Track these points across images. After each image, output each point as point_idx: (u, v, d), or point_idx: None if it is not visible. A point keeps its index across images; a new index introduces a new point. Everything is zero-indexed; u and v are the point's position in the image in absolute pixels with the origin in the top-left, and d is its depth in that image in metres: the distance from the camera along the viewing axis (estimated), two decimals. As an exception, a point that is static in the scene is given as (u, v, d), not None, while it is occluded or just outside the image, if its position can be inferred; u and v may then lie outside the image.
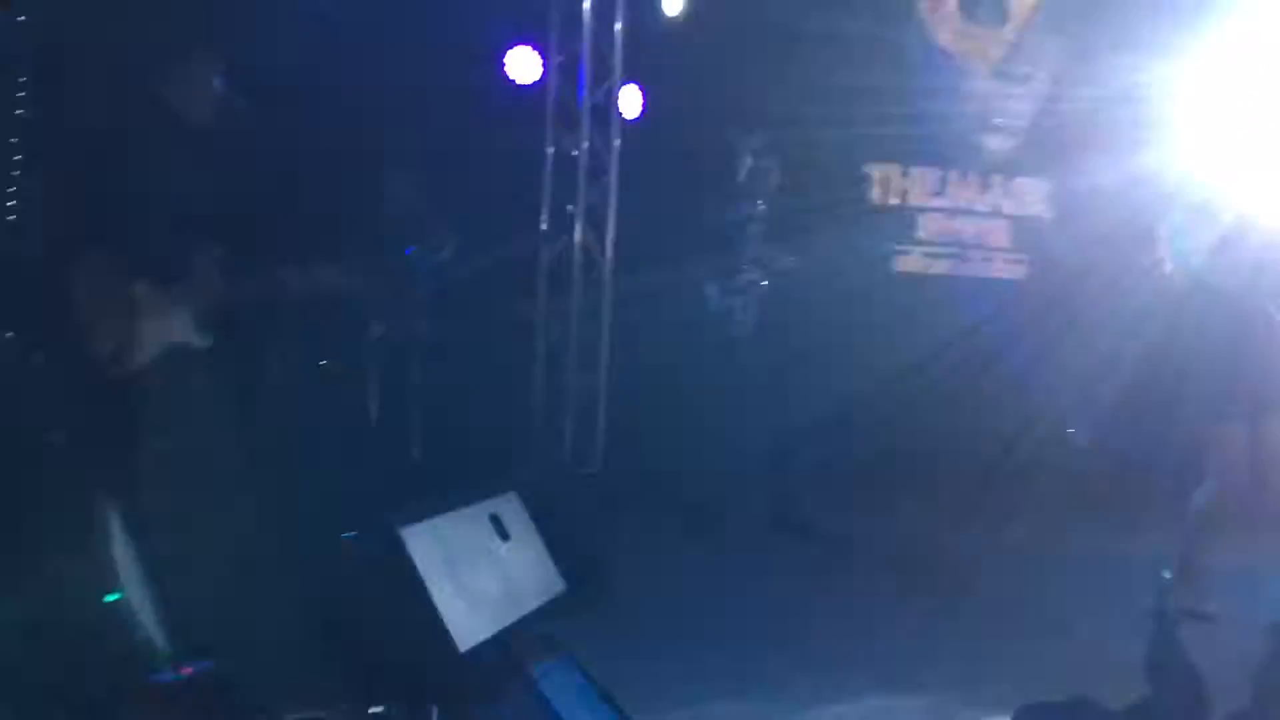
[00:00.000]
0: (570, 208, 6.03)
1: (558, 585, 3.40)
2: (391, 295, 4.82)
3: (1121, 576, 4.60)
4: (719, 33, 6.58)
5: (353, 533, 2.82)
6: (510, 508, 3.37)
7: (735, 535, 5.27)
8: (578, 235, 5.99)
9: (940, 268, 7.48)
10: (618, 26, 6.02)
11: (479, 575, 2.99)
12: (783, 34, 6.73)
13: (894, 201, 7.39)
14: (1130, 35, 7.71)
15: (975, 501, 6.57)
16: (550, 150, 6.08)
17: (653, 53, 6.32)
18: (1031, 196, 7.66)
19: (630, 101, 6.23)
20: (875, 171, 7.33)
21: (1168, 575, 3.97)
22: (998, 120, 7.34)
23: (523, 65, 5.92)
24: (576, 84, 6.02)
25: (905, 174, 7.42)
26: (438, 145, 5.69)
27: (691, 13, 6.34)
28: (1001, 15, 7.21)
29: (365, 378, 4.85)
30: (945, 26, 7.16)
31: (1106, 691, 3.19)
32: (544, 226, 5.99)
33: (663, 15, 6.20)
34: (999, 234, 7.61)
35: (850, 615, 3.93)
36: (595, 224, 6.08)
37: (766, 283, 5.39)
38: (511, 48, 5.90)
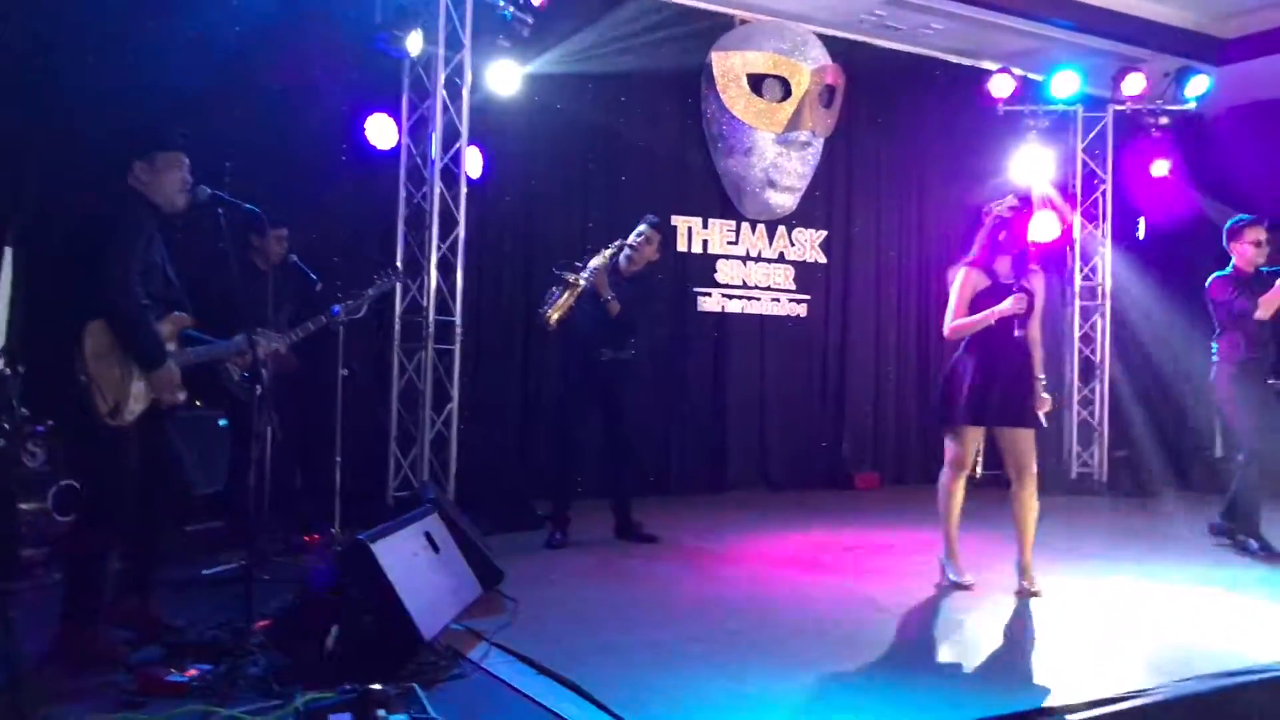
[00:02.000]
0: (422, 259, 6.64)
1: (476, 588, 4.11)
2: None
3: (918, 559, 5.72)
4: (549, 105, 7.44)
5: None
6: (436, 523, 4.05)
7: (592, 546, 5.97)
8: (431, 284, 6.60)
9: (735, 306, 8.55)
10: (464, 96, 6.69)
11: (427, 579, 3.66)
12: (600, 105, 7.66)
13: (696, 250, 8.40)
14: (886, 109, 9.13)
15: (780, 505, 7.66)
16: (404, 209, 6.71)
17: (493, 119, 7.07)
18: (810, 245, 8.90)
19: (473, 163, 6.90)
20: (681, 223, 8.32)
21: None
22: (782, 180, 8.48)
23: (380, 131, 6.53)
24: (426, 147, 6.65)
25: (705, 225, 8.45)
26: (307, 205, 6.23)
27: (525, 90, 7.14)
28: (783, 91, 8.38)
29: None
30: (738, 98, 8.25)
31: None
32: (400, 276, 6.55)
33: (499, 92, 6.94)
34: (784, 277, 8.78)
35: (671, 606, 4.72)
36: (445, 273, 6.71)
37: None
38: (370, 115, 6.50)
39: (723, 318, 8.52)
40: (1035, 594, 4.87)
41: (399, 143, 6.65)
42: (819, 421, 9.01)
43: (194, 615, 3.89)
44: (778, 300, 8.78)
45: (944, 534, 5.11)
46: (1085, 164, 9.61)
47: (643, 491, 7.48)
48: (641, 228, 6.13)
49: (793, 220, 8.81)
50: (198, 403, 5.17)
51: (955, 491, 5.04)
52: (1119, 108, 9.40)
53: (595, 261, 5.93)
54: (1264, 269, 6.17)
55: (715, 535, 6.41)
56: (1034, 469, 4.95)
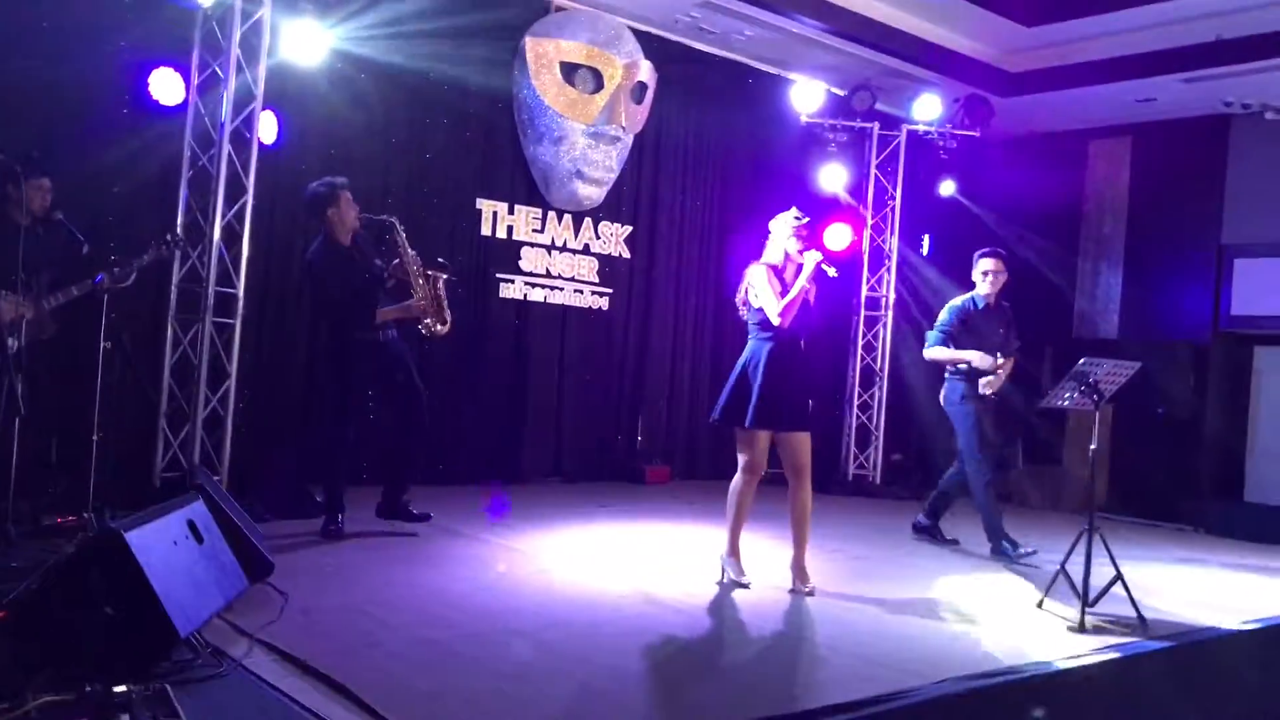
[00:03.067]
0: (204, 226, 6.25)
1: (243, 581, 3.89)
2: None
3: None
4: (353, 74, 7.13)
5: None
6: (200, 511, 3.80)
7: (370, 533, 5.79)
8: (213, 253, 6.22)
9: (537, 295, 8.49)
10: (262, 56, 6.33)
11: (188, 571, 3.43)
12: (408, 78, 7.41)
13: (500, 235, 8.28)
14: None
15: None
16: (187, 171, 6.29)
17: (292, 83, 6.71)
18: (615, 238, 8.94)
19: (267, 128, 6.54)
20: (486, 207, 8.19)
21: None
22: (590, 172, 8.47)
23: (165, 86, 6.09)
24: (216, 108, 6.26)
25: (512, 211, 8.35)
26: (75, 158, 5.74)
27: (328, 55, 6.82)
28: (596, 83, 8.36)
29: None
30: (550, 86, 8.17)
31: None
32: (179, 243, 6.15)
33: (299, 54, 6.60)
34: (588, 269, 8.78)
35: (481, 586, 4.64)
36: (229, 242, 6.35)
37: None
38: (155, 69, 6.04)
39: (524, 305, 8.44)
40: (809, 593, 5.05)
41: (186, 100, 6.23)
42: (614, 414, 9.08)
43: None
44: (580, 292, 8.77)
45: (729, 532, 5.23)
46: (878, 179, 10.07)
47: (431, 479, 7.36)
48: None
49: (599, 213, 8.82)
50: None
51: (747, 494, 5.17)
52: (911, 127, 9.89)
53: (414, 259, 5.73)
54: (1003, 301, 6.73)
55: (502, 527, 6.34)
56: (809, 469, 5.14)
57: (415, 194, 7.63)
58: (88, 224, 5.44)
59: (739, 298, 5.24)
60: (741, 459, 5.13)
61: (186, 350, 6.28)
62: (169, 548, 3.37)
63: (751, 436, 5.07)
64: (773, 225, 5.25)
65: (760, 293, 5.09)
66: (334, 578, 4.75)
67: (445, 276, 5.79)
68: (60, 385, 5.57)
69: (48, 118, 5.62)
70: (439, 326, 5.72)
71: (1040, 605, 5.14)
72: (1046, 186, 10.45)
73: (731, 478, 5.22)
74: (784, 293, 5.06)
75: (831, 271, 5.13)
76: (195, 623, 3.32)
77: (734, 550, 5.23)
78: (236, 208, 6.35)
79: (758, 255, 5.32)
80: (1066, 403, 5.29)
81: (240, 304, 6.37)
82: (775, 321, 5.02)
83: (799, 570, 5.14)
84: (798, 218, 5.18)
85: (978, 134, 9.84)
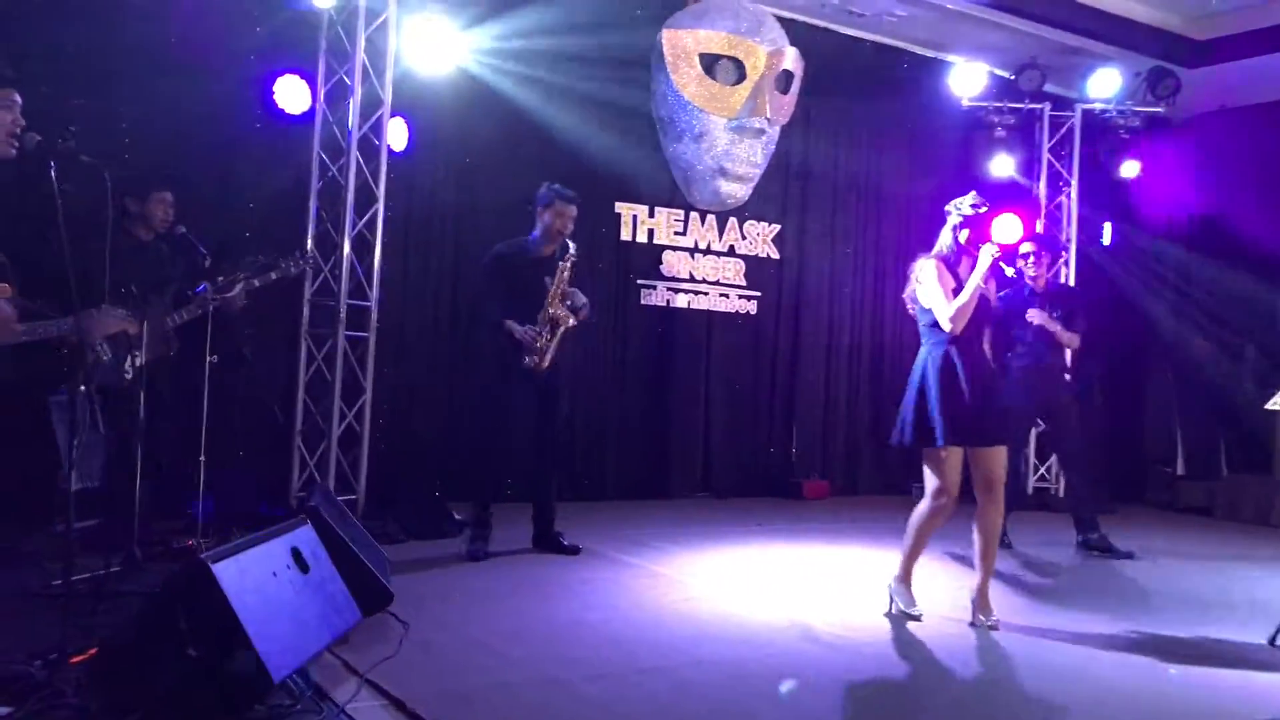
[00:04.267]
0: (336, 236, 6.07)
1: (354, 613, 3.55)
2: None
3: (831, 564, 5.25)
4: (485, 77, 6.85)
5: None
6: (307, 537, 3.49)
7: (515, 557, 5.44)
8: (345, 265, 6.03)
9: (681, 301, 8.05)
10: (389, 60, 6.12)
11: (285, 608, 3.10)
12: (537, 79, 7.08)
13: (641, 240, 7.88)
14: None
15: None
16: (317, 181, 6.11)
17: (422, 88, 6.49)
18: (763, 238, 8.42)
19: (397, 134, 6.34)
20: (625, 210, 7.80)
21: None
22: (734, 168, 7.98)
23: (291, 94, 5.93)
24: (344, 115, 6.07)
25: (652, 213, 7.94)
26: (205, 171, 5.65)
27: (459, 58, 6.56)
28: (738, 74, 7.86)
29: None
30: (689, 80, 7.72)
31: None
32: (310, 254, 6.00)
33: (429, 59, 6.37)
34: (734, 272, 8.29)
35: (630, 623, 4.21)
36: (361, 253, 6.15)
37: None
38: (280, 76, 5.90)
39: (668, 312, 8.02)
40: (992, 626, 4.41)
41: (313, 108, 6.06)
42: (767, 426, 8.55)
43: (14, 640, 3.31)
44: (726, 296, 8.29)
45: (904, 558, 4.62)
46: (1050, 165, 9.23)
47: (573, 496, 7.00)
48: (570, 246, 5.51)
49: (745, 212, 8.31)
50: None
51: (936, 522, 4.49)
52: (1087, 107, 9.02)
53: (561, 288, 5.37)
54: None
55: (647, 549, 5.89)
56: (1003, 486, 4.51)
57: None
58: (218, 238, 5.28)
59: (906, 293, 4.62)
60: (931, 483, 4.44)
61: (321, 366, 6.08)
62: (266, 579, 3.05)
63: (943, 454, 4.38)
64: (949, 209, 4.60)
65: (930, 291, 4.45)
66: (463, 606, 4.40)
67: (573, 323, 5.38)
68: (192, 404, 5.42)
69: (174, 130, 5.52)
70: (536, 362, 5.31)
71: (1273, 643, 4.37)
72: (1243, 168, 9.36)
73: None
74: (957, 291, 4.43)
75: (1009, 271, 4.62)
76: (294, 663, 2.99)
77: (906, 578, 4.63)
78: (367, 217, 6.14)
79: (916, 249, 4.74)
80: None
81: (374, 317, 6.14)
82: (946, 327, 4.39)
83: (982, 600, 4.50)
84: (975, 205, 4.50)
85: (1163, 110, 8.89)
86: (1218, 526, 8.18)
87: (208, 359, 4.71)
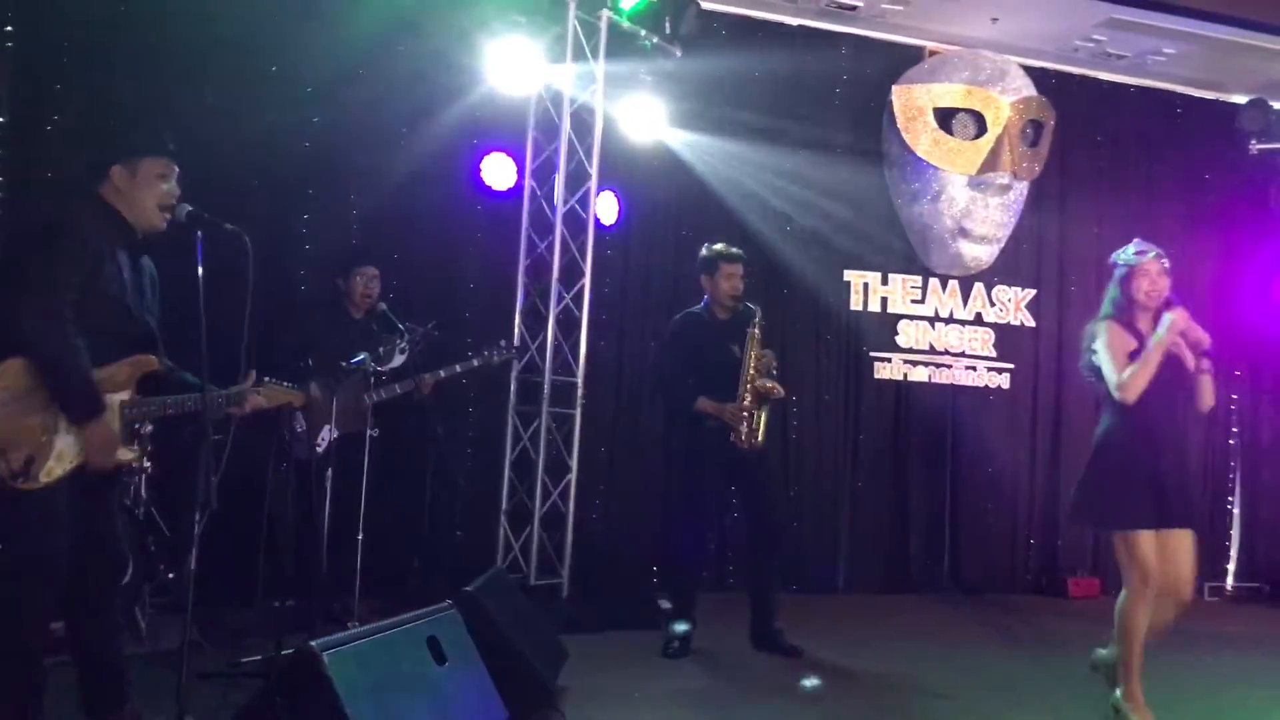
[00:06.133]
0: (543, 311, 5.95)
1: (499, 713, 3.22)
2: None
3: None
4: (699, 146, 6.62)
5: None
6: (450, 626, 3.20)
7: (720, 656, 4.98)
8: (550, 339, 5.89)
9: (920, 374, 7.38)
10: (596, 133, 6.00)
11: (410, 704, 2.81)
12: (759, 144, 6.76)
13: (874, 309, 7.32)
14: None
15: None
16: (525, 258, 6.04)
17: (632, 160, 6.33)
18: (1013, 304, 7.63)
19: (606, 208, 6.19)
20: (855, 278, 7.29)
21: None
22: (976, 229, 7.31)
23: (498, 171, 5.92)
24: (551, 190, 5.98)
25: (885, 280, 7.37)
26: (417, 249, 5.71)
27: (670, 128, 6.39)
28: (977, 127, 7.24)
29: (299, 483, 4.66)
30: (923, 136, 7.18)
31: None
32: (518, 330, 5.92)
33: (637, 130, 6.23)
34: (981, 342, 7.54)
35: None
36: (568, 329, 5.99)
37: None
38: (487, 154, 5.90)
39: (904, 387, 7.36)
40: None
41: (519, 183, 6.00)
42: (1025, 512, 7.61)
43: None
44: (974, 369, 7.52)
45: (1126, 669, 3.90)
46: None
47: (800, 589, 6.44)
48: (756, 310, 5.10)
49: (992, 276, 7.57)
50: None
51: (1145, 614, 3.85)
52: None
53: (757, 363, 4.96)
54: None
55: (878, 651, 5.23)
56: (1192, 584, 3.97)
57: (775, 271, 6.90)
58: (427, 313, 5.26)
59: (1082, 364, 4.04)
60: (1135, 569, 3.83)
61: (526, 444, 5.92)
62: (389, 672, 2.78)
63: (1141, 538, 3.81)
64: (1114, 260, 4.07)
65: (1102, 357, 3.88)
66: (635, 711, 3.96)
67: (780, 392, 4.94)
68: (399, 483, 5.38)
69: (383, 206, 5.61)
70: (745, 439, 4.86)
71: None
72: None
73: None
74: (1138, 352, 3.82)
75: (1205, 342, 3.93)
76: (408, 770, 2.67)
77: (1135, 696, 3.83)
78: (574, 292, 5.99)
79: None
80: None
81: (580, 393, 5.94)
82: (1117, 396, 3.80)
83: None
84: (1139, 252, 3.96)
85: None
86: None
87: (369, 431, 4.60)
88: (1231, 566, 7.99)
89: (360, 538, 4.66)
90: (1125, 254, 4.02)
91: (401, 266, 5.48)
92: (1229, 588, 7.92)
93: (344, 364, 4.59)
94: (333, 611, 4.70)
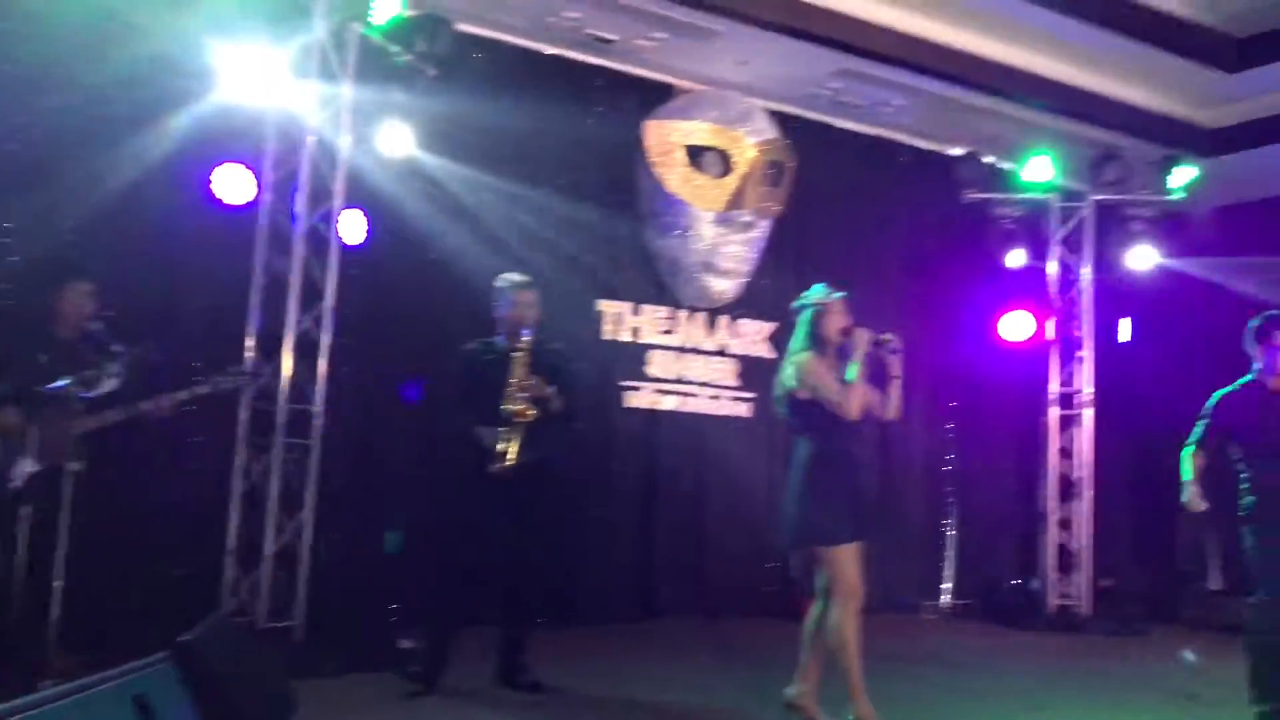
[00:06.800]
0: (280, 335, 5.61)
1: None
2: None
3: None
4: (455, 170, 6.47)
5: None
6: (162, 681, 2.90)
7: (464, 695, 4.79)
8: (288, 364, 5.55)
9: (669, 404, 7.51)
10: (342, 150, 5.74)
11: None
12: (512, 171, 6.70)
13: (624, 338, 7.39)
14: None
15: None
16: (261, 274, 5.68)
17: (382, 179, 6.09)
18: (755, 336, 7.90)
19: (353, 227, 5.92)
20: (607, 308, 7.33)
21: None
22: (722, 263, 7.54)
23: (233, 184, 5.53)
24: (291, 206, 5.66)
25: (636, 311, 7.46)
26: (139, 264, 5.24)
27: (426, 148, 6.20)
28: (723, 166, 7.49)
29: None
30: (673, 172, 7.35)
31: None
32: (250, 354, 5.54)
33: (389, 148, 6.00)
34: (726, 372, 7.76)
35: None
36: (307, 353, 5.67)
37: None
38: (220, 165, 5.50)
39: (654, 416, 7.46)
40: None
41: (257, 198, 5.64)
42: (765, 536, 7.85)
43: None
44: (718, 398, 7.73)
45: (855, 682, 4.19)
46: (1062, 258, 8.75)
47: (546, 619, 6.34)
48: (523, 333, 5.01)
49: (736, 309, 7.83)
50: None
51: (858, 626, 4.21)
52: (1099, 198, 8.57)
53: (520, 380, 4.84)
54: None
55: (625, 680, 5.23)
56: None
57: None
58: (149, 334, 4.83)
59: (777, 395, 4.46)
60: (845, 581, 4.19)
61: (258, 478, 5.54)
62: (84, 739, 2.46)
63: (852, 550, 4.21)
64: (802, 306, 4.47)
65: (820, 384, 4.26)
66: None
67: (533, 414, 4.82)
68: (110, 520, 4.89)
69: (100, 216, 5.12)
70: (497, 466, 4.75)
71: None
72: (1259, 264, 8.83)
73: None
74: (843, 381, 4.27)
75: (888, 338, 4.36)
76: None
77: (866, 708, 4.15)
78: (315, 314, 5.68)
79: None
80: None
81: (319, 421, 5.62)
82: (842, 414, 4.20)
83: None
84: (827, 294, 4.42)
85: (1178, 201, 8.41)
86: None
87: (71, 465, 4.16)
88: (948, 585, 8.59)
89: (60, 584, 4.17)
90: (815, 295, 4.41)
91: (120, 282, 4.98)
92: (945, 605, 8.50)
93: (44, 389, 4.11)
94: (27, 668, 4.18)
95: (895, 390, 4.40)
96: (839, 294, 4.41)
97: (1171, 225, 8.62)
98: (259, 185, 5.63)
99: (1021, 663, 6.52)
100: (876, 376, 4.42)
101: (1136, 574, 8.82)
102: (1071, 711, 5.20)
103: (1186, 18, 7.45)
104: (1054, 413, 8.61)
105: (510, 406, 4.78)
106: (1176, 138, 8.50)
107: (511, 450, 4.74)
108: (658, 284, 7.54)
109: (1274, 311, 4.90)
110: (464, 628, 4.93)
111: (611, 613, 7.03)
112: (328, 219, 5.73)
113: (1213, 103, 8.42)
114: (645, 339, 7.47)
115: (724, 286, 7.64)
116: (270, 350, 5.61)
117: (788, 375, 4.37)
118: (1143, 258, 8.51)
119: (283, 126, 5.72)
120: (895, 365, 4.39)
